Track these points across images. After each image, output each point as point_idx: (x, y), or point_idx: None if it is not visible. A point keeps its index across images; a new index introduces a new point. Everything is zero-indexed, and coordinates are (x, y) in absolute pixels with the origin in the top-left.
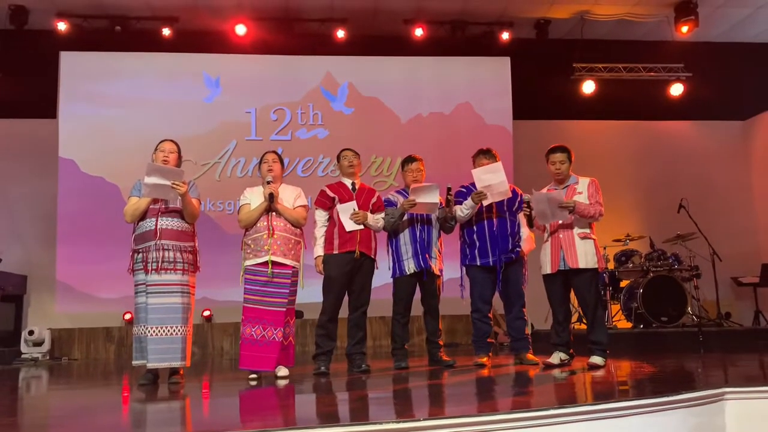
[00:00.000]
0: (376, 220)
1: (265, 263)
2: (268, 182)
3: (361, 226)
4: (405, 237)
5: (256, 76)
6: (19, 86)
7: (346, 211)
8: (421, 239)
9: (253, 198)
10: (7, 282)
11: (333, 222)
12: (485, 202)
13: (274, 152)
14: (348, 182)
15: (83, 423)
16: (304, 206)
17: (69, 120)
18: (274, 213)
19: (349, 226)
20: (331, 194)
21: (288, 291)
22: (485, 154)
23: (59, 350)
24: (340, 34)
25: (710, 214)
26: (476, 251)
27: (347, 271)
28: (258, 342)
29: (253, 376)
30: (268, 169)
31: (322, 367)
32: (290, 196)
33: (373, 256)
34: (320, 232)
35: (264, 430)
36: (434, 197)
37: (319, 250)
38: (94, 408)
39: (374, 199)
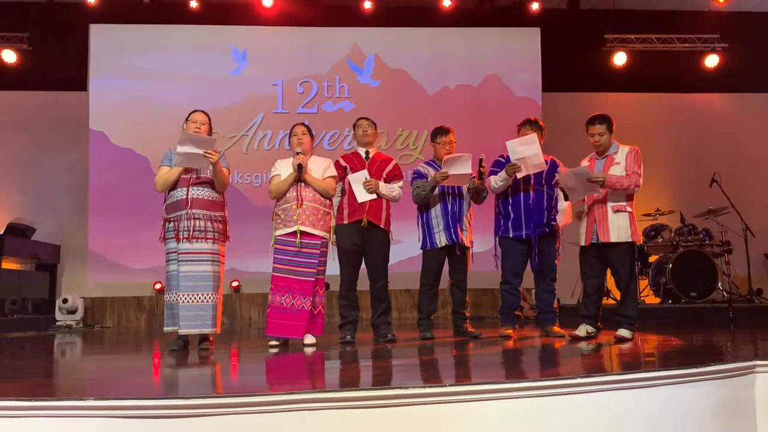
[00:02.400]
0: (390, 189)
1: (294, 233)
2: (297, 153)
3: (374, 196)
4: (436, 210)
5: (282, 48)
6: (50, 59)
7: (357, 181)
8: (453, 212)
9: (283, 169)
10: (42, 251)
11: (346, 192)
12: (519, 175)
13: (303, 124)
14: (362, 151)
15: (117, 385)
16: (333, 177)
17: (99, 92)
18: (302, 184)
19: (361, 196)
20: (344, 164)
21: (317, 261)
22: (531, 125)
23: (92, 318)
24: (367, 5)
25: (744, 189)
26: (510, 223)
27: (357, 241)
28: (287, 310)
29: (274, 342)
30: (298, 141)
31: (348, 336)
32: (320, 168)
33: (383, 226)
34: (334, 202)
35: (292, 392)
36: (467, 168)
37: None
38: (127, 371)
39: (389, 168)
